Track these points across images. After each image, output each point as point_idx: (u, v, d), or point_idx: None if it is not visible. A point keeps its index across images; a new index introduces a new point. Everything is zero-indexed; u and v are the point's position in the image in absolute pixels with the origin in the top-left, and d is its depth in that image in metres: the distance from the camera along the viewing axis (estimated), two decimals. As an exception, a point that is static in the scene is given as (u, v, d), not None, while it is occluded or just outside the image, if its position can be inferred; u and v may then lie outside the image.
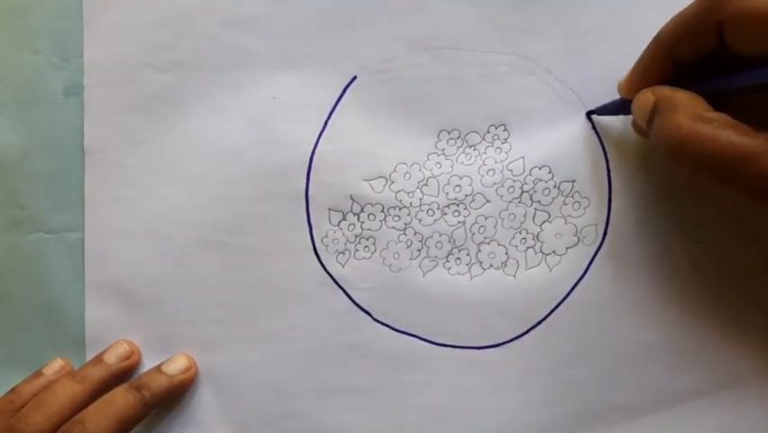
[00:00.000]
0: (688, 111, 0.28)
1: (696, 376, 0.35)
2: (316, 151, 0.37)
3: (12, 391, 0.36)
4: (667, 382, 0.35)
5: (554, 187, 0.35)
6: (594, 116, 0.35)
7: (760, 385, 0.35)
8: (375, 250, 0.36)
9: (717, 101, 0.29)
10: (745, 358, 0.35)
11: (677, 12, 0.29)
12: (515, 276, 0.36)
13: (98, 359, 0.37)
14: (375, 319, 0.36)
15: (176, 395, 0.37)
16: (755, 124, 0.27)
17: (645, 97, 0.30)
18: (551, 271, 0.35)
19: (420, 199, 0.36)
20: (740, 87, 0.28)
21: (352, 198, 0.36)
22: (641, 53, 0.31)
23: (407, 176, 0.36)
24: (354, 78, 0.37)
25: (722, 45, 0.28)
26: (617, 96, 0.33)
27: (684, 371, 0.35)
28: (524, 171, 0.35)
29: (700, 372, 0.35)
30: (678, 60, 0.30)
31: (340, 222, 0.36)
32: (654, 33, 0.29)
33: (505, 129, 0.35)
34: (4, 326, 0.38)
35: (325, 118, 0.37)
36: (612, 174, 0.35)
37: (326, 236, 0.36)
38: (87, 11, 0.37)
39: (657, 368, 0.35)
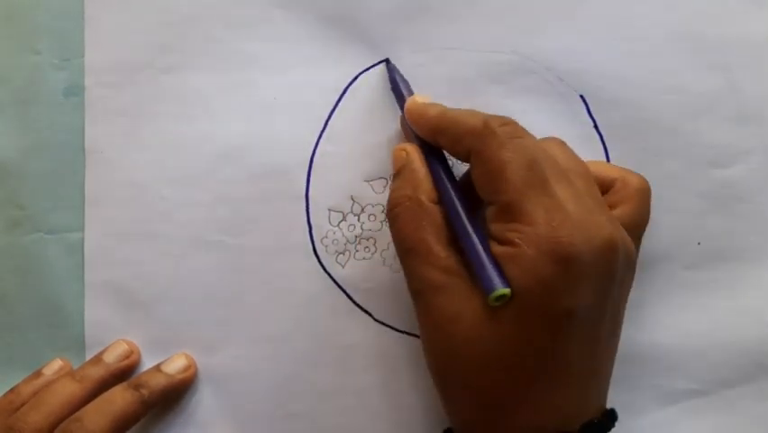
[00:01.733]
0: (411, 196, 0.31)
1: (694, 376, 0.35)
2: (317, 151, 0.37)
3: (11, 390, 0.36)
4: (666, 382, 0.35)
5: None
6: (595, 116, 0.35)
7: (755, 385, 0.35)
8: (375, 250, 0.36)
9: None
10: (740, 359, 0.35)
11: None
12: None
13: (97, 358, 0.37)
14: (376, 320, 0.36)
15: (175, 395, 0.37)
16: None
17: (398, 152, 0.33)
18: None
19: (420, 199, 0.36)
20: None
21: (352, 198, 0.36)
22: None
23: (408, 176, 0.36)
24: (355, 78, 0.37)
25: None
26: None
27: (682, 371, 0.35)
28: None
29: (698, 371, 0.35)
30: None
31: (340, 222, 0.36)
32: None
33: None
34: (4, 326, 0.38)
35: (326, 118, 0.37)
36: (612, 174, 0.35)
37: (326, 237, 0.36)
38: (88, 11, 0.38)
39: (656, 368, 0.35)
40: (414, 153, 0.32)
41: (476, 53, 0.36)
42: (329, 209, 0.36)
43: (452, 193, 0.30)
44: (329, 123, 0.37)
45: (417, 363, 0.36)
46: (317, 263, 0.36)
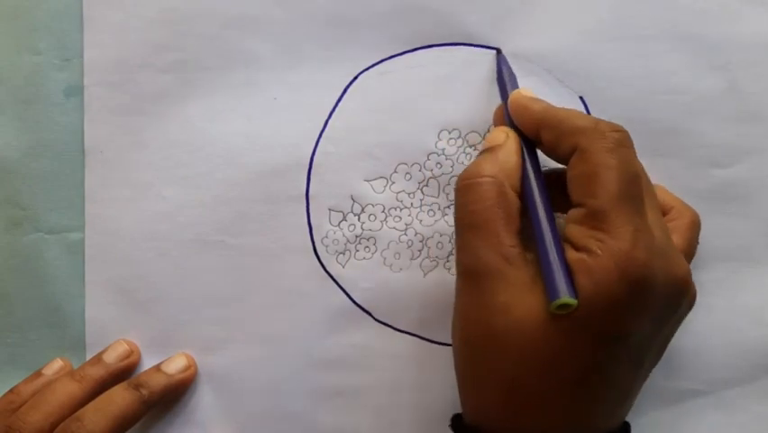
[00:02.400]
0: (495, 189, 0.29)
1: (694, 376, 0.35)
2: (317, 151, 0.36)
3: (11, 390, 0.36)
4: (666, 382, 0.35)
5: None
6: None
7: (755, 385, 0.35)
8: (376, 250, 0.36)
9: None
10: (740, 359, 0.35)
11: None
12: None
13: (97, 358, 0.37)
14: (376, 319, 0.36)
15: (175, 394, 0.37)
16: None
17: (498, 132, 0.32)
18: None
19: (421, 200, 0.36)
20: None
21: (352, 198, 0.36)
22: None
23: (408, 176, 0.36)
24: (354, 78, 0.37)
25: None
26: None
27: (683, 371, 0.35)
28: (524, 171, 0.35)
29: (698, 372, 0.35)
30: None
31: (340, 222, 0.36)
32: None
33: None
34: (4, 326, 0.38)
35: (326, 118, 0.37)
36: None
37: (327, 237, 0.36)
38: (88, 11, 0.37)
39: (656, 368, 0.35)
40: (513, 139, 0.31)
41: (476, 54, 0.36)
42: (329, 209, 0.36)
43: (537, 189, 0.29)
44: (329, 123, 0.37)
45: (417, 363, 0.36)
46: (317, 263, 0.36)
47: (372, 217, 0.36)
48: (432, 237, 0.36)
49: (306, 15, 0.37)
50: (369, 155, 0.36)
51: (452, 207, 0.35)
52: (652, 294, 0.26)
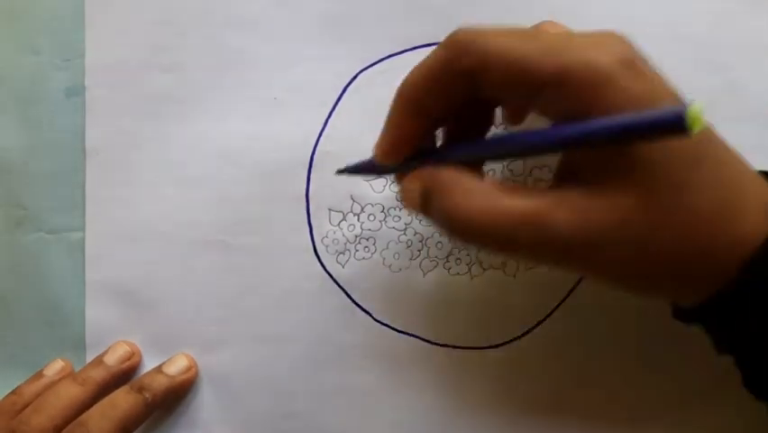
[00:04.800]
0: (457, 189, 0.26)
1: (694, 376, 0.35)
2: (317, 151, 0.37)
3: (13, 392, 0.36)
4: (666, 382, 0.35)
5: (555, 187, 0.35)
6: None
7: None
8: (375, 250, 0.36)
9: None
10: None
11: (423, 63, 0.26)
12: (515, 276, 0.36)
13: (99, 361, 0.37)
14: (375, 319, 0.36)
15: (177, 396, 0.37)
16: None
17: (411, 187, 0.27)
18: (551, 271, 0.35)
19: (420, 199, 0.36)
20: (500, 155, 0.27)
21: (352, 198, 0.36)
22: (388, 111, 0.28)
23: (408, 176, 0.36)
24: (354, 77, 0.37)
25: (476, 93, 0.26)
26: None
27: (684, 371, 0.35)
28: (523, 172, 0.35)
29: (698, 372, 0.35)
30: (430, 115, 0.27)
31: (340, 222, 0.36)
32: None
33: (505, 129, 0.35)
34: (4, 326, 0.38)
35: (326, 118, 0.37)
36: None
37: (327, 236, 0.36)
38: (89, 11, 0.38)
39: (657, 368, 0.35)
40: (422, 173, 0.27)
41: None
42: (329, 209, 0.36)
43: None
44: (329, 122, 0.37)
45: (417, 363, 0.36)
46: (318, 263, 0.36)
47: (372, 217, 0.36)
48: (431, 237, 0.36)
49: (305, 15, 0.37)
50: (368, 155, 0.36)
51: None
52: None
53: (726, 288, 0.25)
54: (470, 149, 0.27)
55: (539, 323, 0.35)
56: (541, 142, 0.24)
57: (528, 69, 0.24)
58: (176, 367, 0.36)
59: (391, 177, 0.36)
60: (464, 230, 0.25)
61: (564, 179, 0.26)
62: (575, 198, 0.24)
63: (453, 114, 0.28)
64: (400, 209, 0.36)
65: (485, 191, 0.25)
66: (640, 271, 0.25)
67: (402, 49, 0.36)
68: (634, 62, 0.24)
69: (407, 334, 0.36)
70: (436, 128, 0.29)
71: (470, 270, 0.36)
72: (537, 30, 0.30)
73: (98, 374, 0.36)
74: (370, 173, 0.34)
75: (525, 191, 0.25)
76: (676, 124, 0.21)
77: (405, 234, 0.36)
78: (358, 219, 0.36)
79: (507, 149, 0.26)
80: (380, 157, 0.29)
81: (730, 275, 0.24)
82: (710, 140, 0.25)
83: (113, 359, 0.37)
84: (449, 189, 0.26)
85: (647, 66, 0.25)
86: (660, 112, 0.22)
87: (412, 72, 0.27)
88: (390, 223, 0.36)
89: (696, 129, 0.21)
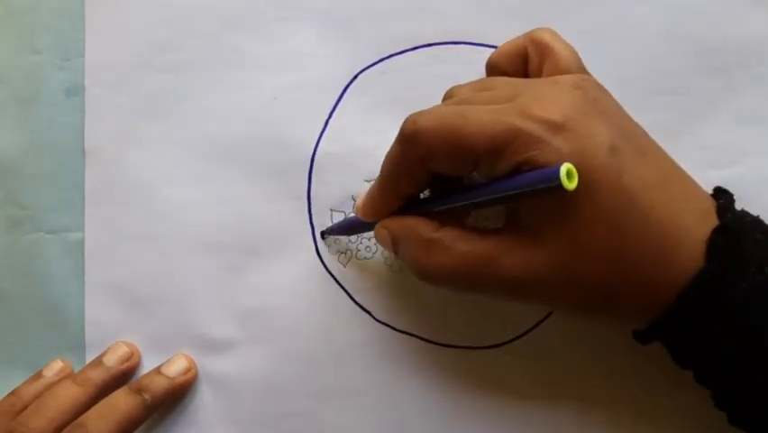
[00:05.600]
0: (418, 239, 0.29)
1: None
2: (318, 151, 0.37)
3: (13, 393, 0.36)
4: (666, 382, 0.35)
5: (555, 187, 0.35)
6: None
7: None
8: (376, 250, 0.36)
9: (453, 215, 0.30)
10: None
11: (388, 155, 0.30)
12: (515, 276, 0.36)
13: (98, 361, 0.37)
14: (376, 319, 0.36)
15: (176, 397, 0.37)
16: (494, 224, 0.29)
17: (381, 234, 0.32)
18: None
19: (421, 199, 0.36)
20: (459, 207, 0.29)
21: (353, 198, 0.36)
22: (373, 183, 0.32)
23: (408, 176, 0.36)
24: (354, 77, 0.37)
25: (434, 171, 0.29)
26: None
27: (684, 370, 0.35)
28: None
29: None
30: (404, 194, 0.31)
31: (341, 222, 0.36)
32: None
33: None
34: (4, 326, 0.38)
35: (326, 118, 0.37)
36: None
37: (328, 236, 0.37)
38: (89, 11, 0.38)
39: (657, 368, 0.35)
40: (389, 222, 0.31)
41: (476, 53, 0.36)
42: (331, 209, 0.36)
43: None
44: (329, 123, 0.37)
45: (417, 363, 0.36)
46: (319, 263, 0.36)
47: (373, 217, 0.36)
48: (432, 237, 0.36)
49: (305, 15, 0.37)
50: (369, 155, 0.36)
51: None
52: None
53: (665, 314, 0.27)
54: (430, 204, 0.31)
55: (539, 323, 0.36)
56: (467, 200, 0.28)
57: (466, 147, 0.27)
58: (175, 368, 0.36)
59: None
60: (431, 279, 0.30)
61: (512, 220, 0.29)
62: (517, 246, 0.28)
63: (427, 184, 0.30)
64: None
65: (440, 242, 0.29)
66: (578, 304, 0.28)
67: (402, 49, 0.36)
68: (564, 125, 0.26)
69: (407, 334, 0.36)
70: (418, 194, 0.31)
71: (470, 270, 0.36)
72: (487, 84, 0.31)
73: (98, 375, 0.36)
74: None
75: (479, 235, 0.29)
76: (552, 183, 0.24)
77: (405, 234, 0.36)
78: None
79: (453, 204, 0.29)
80: (363, 216, 0.32)
81: (669, 301, 0.27)
82: (646, 188, 0.27)
83: (112, 360, 0.36)
84: (410, 241, 0.30)
85: (589, 119, 0.27)
86: (536, 174, 0.25)
87: (384, 160, 0.30)
88: (391, 223, 0.36)
89: (571, 186, 0.24)
